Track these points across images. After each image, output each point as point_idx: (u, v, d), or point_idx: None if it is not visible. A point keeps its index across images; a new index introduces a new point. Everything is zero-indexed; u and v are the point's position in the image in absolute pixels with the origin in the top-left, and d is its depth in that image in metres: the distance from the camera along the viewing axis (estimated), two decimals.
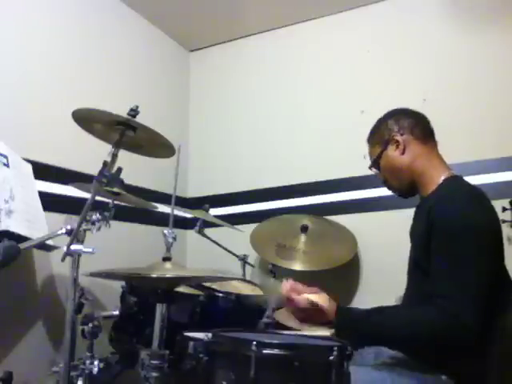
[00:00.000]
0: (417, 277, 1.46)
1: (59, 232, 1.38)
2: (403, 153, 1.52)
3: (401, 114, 1.58)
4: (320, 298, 1.38)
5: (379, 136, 1.58)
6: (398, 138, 1.52)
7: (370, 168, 1.63)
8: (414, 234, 1.53)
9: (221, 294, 1.79)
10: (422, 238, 1.39)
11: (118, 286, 1.93)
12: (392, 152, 1.54)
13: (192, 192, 3.02)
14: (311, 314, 1.39)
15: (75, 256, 1.39)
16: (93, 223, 1.42)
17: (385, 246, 2.37)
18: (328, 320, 1.36)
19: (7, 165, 1.67)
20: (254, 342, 1.04)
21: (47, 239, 1.48)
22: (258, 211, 2.76)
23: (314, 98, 2.75)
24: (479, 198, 1.40)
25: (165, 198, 2.39)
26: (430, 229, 1.35)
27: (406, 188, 1.57)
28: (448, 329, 1.24)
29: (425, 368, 1.33)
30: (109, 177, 1.37)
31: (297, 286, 1.43)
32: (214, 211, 2.49)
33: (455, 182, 1.46)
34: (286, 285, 1.43)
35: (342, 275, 2.40)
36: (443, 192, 1.43)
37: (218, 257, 2.45)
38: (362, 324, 1.35)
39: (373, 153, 1.61)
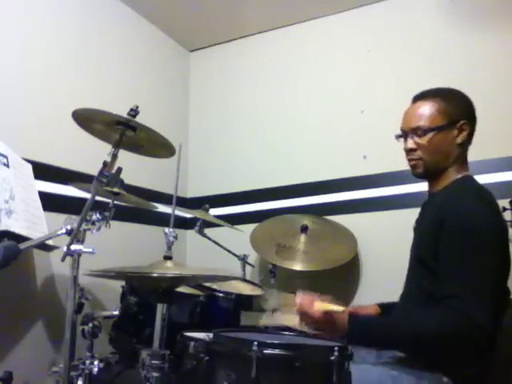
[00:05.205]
0: (419, 274, 1.44)
1: (59, 232, 1.38)
2: (461, 142, 1.44)
3: (472, 106, 1.48)
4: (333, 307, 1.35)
5: (451, 108, 1.44)
6: (467, 126, 1.44)
7: (408, 132, 1.47)
8: (420, 229, 1.51)
9: (221, 294, 1.79)
10: (429, 234, 1.38)
11: (117, 285, 1.93)
12: (452, 134, 1.43)
13: (192, 192, 3.02)
14: (325, 323, 1.34)
15: (75, 256, 1.39)
16: (93, 223, 1.41)
17: (385, 246, 2.37)
18: (340, 330, 1.32)
19: (7, 165, 1.67)
20: (255, 342, 1.04)
21: (47, 239, 1.48)
22: (257, 211, 2.76)
23: (314, 98, 2.75)
24: (489, 198, 1.39)
25: (165, 198, 2.39)
26: (440, 227, 1.34)
27: (430, 169, 1.47)
28: (463, 330, 1.22)
29: (426, 368, 1.32)
30: (109, 177, 1.37)
31: (310, 298, 1.38)
32: (214, 211, 2.49)
33: (466, 182, 1.46)
34: (300, 299, 1.37)
35: (342, 275, 2.40)
36: (454, 190, 1.42)
37: (218, 257, 2.45)
38: (374, 328, 1.34)
39: (426, 114, 1.44)
